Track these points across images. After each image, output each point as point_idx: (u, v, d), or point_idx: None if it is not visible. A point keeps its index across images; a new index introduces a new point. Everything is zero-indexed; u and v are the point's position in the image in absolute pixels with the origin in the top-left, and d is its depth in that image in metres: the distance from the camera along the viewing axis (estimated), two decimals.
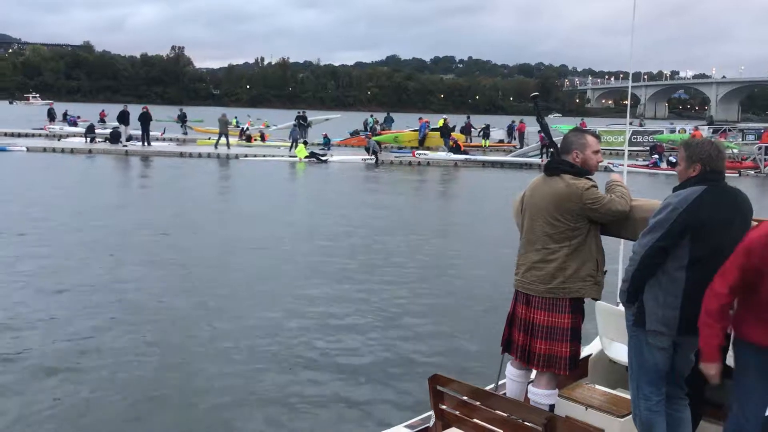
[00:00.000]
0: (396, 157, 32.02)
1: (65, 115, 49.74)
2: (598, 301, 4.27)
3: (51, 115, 46.46)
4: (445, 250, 12.15)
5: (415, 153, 32.22)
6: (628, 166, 28.94)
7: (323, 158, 29.90)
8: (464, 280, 10.05)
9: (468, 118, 46.33)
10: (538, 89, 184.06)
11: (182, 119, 46.57)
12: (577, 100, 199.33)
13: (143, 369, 6.47)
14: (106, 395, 5.88)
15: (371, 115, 49.18)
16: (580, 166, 3.87)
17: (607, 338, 4.43)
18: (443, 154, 32.26)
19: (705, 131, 37.70)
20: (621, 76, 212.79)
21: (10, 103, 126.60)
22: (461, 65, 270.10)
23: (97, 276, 9.61)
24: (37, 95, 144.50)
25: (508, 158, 32.10)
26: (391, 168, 29.24)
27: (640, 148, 37.75)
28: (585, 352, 4.55)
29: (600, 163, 4.05)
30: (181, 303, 8.49)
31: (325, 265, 10.64)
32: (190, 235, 12.72)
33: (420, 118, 34.75)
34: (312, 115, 52.43)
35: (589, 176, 3.89)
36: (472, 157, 32.07)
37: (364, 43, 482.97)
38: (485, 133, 42.79)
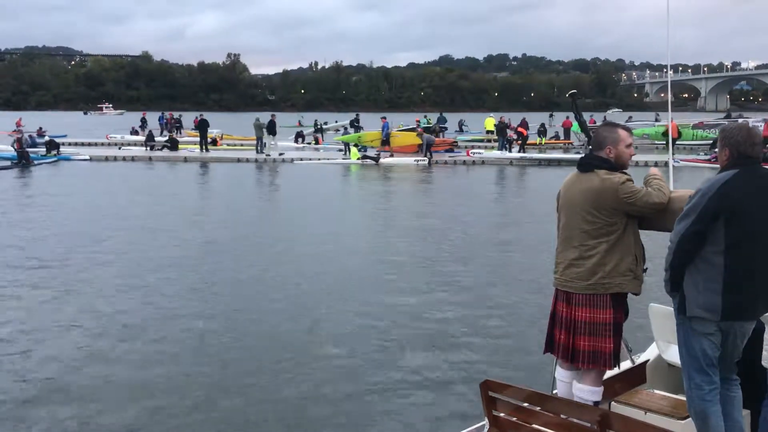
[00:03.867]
0: (450, 156, 31.87)
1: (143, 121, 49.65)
2: (651, 304, 4.17)
3: (144, 124, 46.72)
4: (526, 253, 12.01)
5: (470, 152, 32.02)
6: (689, 160, 28.17)
7: (376, 159, 29.94)
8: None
9: (508, 120, 45.89)
10: (595, 85, 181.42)
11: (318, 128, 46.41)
12: (635, 95, 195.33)
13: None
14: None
15: (425, 116, 49.17)
16: (613, 160, 3.83)
17: (663, 341, 4.31)
18: (498, 153, 31.98)
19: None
20: (680, 68, 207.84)
21: (85, 113, 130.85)
22: (515, 63, 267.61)
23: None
24: (110, 105, 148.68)
25: (566, 155, 31.59)
26: (445, 168, 29.10)
27: (702, 142, 36.74)
28: (642, 358, 4.43)
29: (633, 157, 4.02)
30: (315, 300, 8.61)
31: (435, 274, 10.59)
32: (302, 240, 12.82)
33: (382, 118, 34.40)
34: (365, 118, 52.71)
35: (624, 170, 3.84)
36: (528, 155, 31.71)
37: (418, 43, 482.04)
38: (540, 131, 42.39)
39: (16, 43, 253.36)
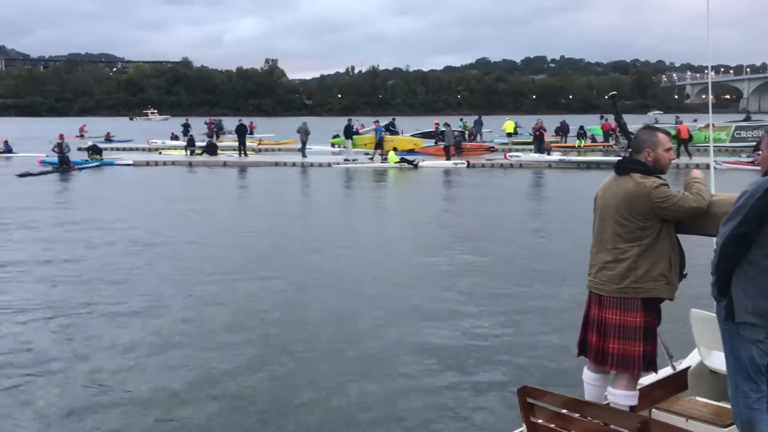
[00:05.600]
0: (487, 160, 31.73)
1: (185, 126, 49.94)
2: (693, 310, 4.12)
3: (186, 130, 47.07)
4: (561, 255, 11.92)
5: (507, 155, 31.85)
6: (731, 162, 27.58)
7: (414, 163, 29.95)
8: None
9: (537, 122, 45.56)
10: (634, 86, 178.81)
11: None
12: (676, 96, 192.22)
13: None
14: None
15: (461, 119, 49.02)
16: (651, 164, 3.82)
17: (705, 347, 4.24)
18: (536, 156, 31.75)
19: None
20: (722, 69, 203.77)
21: (131, 119, 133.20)
22: (553, 65, 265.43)
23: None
24: (155, 111, 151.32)
25: (606, 158, 31.19)
26: (482, 171, 28.99)
27: (744, 144, 35.99)
28: (683, 364, 4.36)
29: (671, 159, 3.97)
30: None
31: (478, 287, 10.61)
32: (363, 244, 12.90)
33: (375, 121, 34.22)
34: (401, 122, 52.68)
35: (660, 174, 3.83)
36: (567, 158, 31.41)
37: (455, 46, 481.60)
38: (579, 133, 42.06)
39: (60, 51, 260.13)
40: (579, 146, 40.37)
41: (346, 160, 31.42)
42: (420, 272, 10.68)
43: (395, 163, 30.09)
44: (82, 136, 55.37)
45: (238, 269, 10.72)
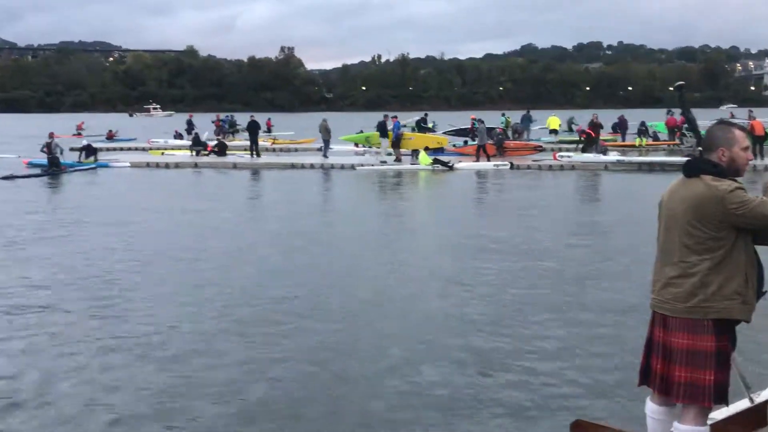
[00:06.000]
0: (534, 161, 31.63)
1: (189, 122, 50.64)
2: None
3: (190, 127, 47.33)
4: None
5: (557, 155, 31.74)
6: None
7: (449, 164, 29.95)
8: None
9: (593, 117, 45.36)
10: (703, 76, 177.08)
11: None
12: (752, 87, 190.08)
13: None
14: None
15: (503, 114, 49.03)
16: (726, 165, 3.75)
17: None
18: (591, 156, 31.59)
19: None
20: None
21: (131, 116, 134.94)
22: (610, 52, 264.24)
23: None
24: (158, 106, 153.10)
25: (671, 159, 30.91)
26: (528, 173, 28.88)
27: None
28: (762, 396, 4.32)
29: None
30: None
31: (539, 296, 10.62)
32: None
33: (393, 117, 34.04)
34: (434, 118, 52.80)
35: (736, 177, 3.76)
36: (626, 159, 31.21)
37: (496, 31, 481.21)
38: (641, 130, 41.82)
39: (50, 39, 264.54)
40: (640, 145, 40.10)
41: (383, 162, 31.41)
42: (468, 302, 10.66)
43: (427, 164, 30.11)
44: (79, 134, 56.42)
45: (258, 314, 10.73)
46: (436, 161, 30.31)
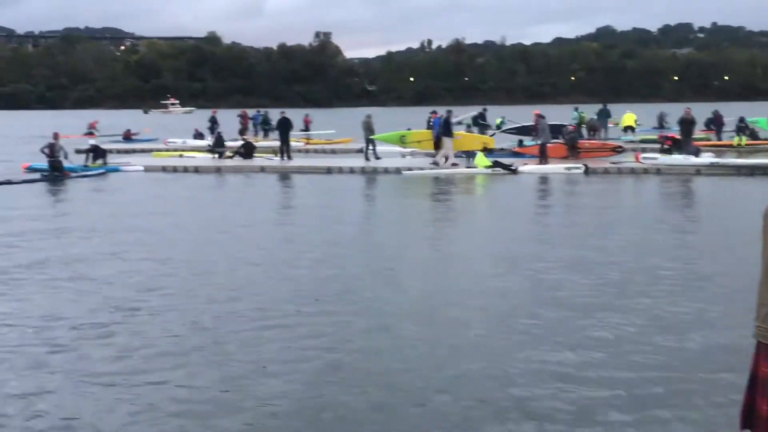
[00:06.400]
0: (612, 163, 31.38)
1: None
2: None
3: (214, 125, 47.28)
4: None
5: (640, 157, 31.45)
6: None
7: (512, 168, 29.83)
8: None
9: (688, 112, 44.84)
10: None
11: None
12: None
13: None
14: None
15: (575, 108, 48.80)
16: None
17: None
18: (680, 158, 31.24)
19: None
20: None
21: (145, 112, 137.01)
22: (702, 35, 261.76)
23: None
24: (177, 102, 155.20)
25: None
26: (605, 178, 28.64)
27: None
28: None
29: None
30: None
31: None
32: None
33: (433, 113, 33.59)
34: (495, 113, 52.71)
35: None
36: (722, 161, 30.79)
37: (568, 12, 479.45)
38: (740, 127, 41.34)
39: (53, 25, 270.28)
40: (738, 145, 39.57)
41: (454, 164, 31.27)
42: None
43: (486, 167, 30.02)
44: (91, 134, 57.41)
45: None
46: (496, 164, 30.21)
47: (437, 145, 32.34)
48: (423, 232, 18.18)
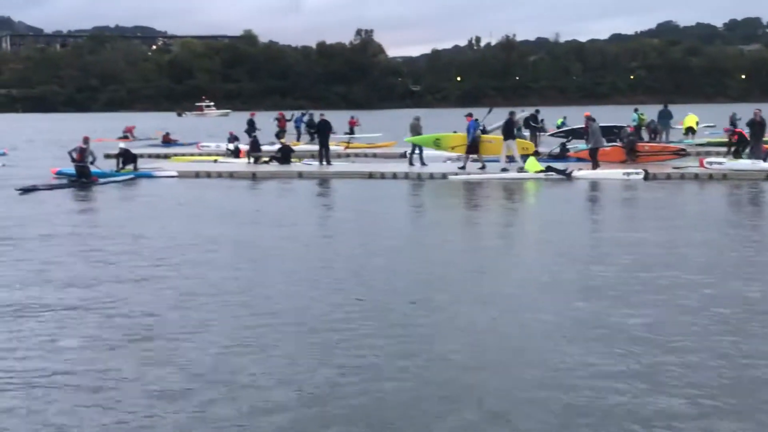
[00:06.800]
0: (674, 168, 31.04)
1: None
2: None
3: (252, 128, 46.92)
4: None
5: (704, 161, 31.09)
6: None
7: (566, 172, 29.62)
8: None
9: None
10: None
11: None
12: None
13: None
14: None
15: (635, 109, 48.36)
16: None
17: None
18: (748, 163, 30.83)
19: None
20: None
21: (179, 115, 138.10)
22: None
23: None
24: (212, 104, 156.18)
25: None
26: (667, 185, 28.33)
27: None
28: None
29: None
30: None
31: None
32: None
33: (467, 115, 33.06)
34: (550, 114, 52.39)
35: None
36: None
37: (626, 6, 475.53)
38: None
39: (82, 24, 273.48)
40: None
41: (520, 169, 30.92)
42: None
43: (537, 172, 29.84)
44: (126, 137, 58.04)
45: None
46: (549, 169, 30.04)
47: (471, 150, 32.20)
48: (473, 245, 17.77)
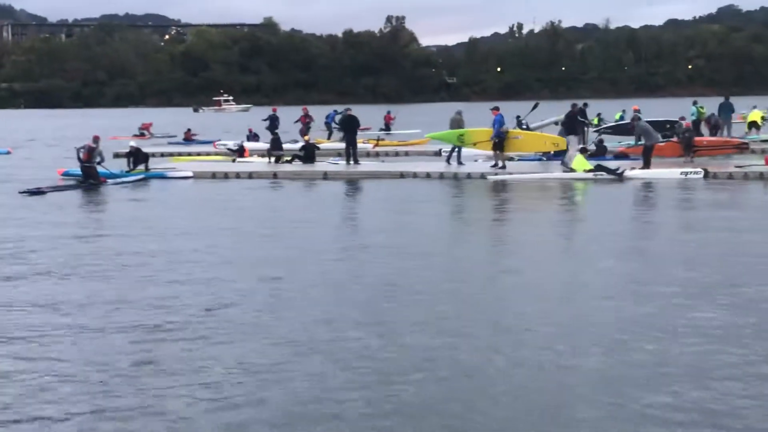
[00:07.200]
0: (737, 167, 30.78)
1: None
2: None
3: (273, 125, 47.14)
4: None
5: None
6: None
7: (617, 172, 29.42)
8: None
9: None
10: None
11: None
12: None
13: None
14: None
15: (694, 102, 47.99)
16: None
17: None
18: None
19: None
20: None
21: (195, 111, 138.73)
22: None
23: None
24: (231, 98, 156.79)
25: None
26: (728, 185, 28.08)
27: None
28: None
29: None
30: None
31: None
32: None
33: (493, 109, 32.66)
34: (598, 109, 52.12)
35: None
36: None
37: None
38: None
39: (90, 12, 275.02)
40: None
41: (571, 170, 30.57)
42: None
43: (585, 172, 29.65)
44: (142, 135, 58.27)
45: None
46: (599, 168, 29.85)
47: (496, 147, 32.15)
48: (520, 257, 16.97)
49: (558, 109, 44.05)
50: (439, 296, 13.26)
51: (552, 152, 33.47)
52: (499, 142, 32.08)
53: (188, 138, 53.55)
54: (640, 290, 13.34)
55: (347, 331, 11.27)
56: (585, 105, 45.14)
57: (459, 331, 11.28)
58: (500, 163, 32.00)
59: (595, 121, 47.02)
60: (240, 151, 39.56)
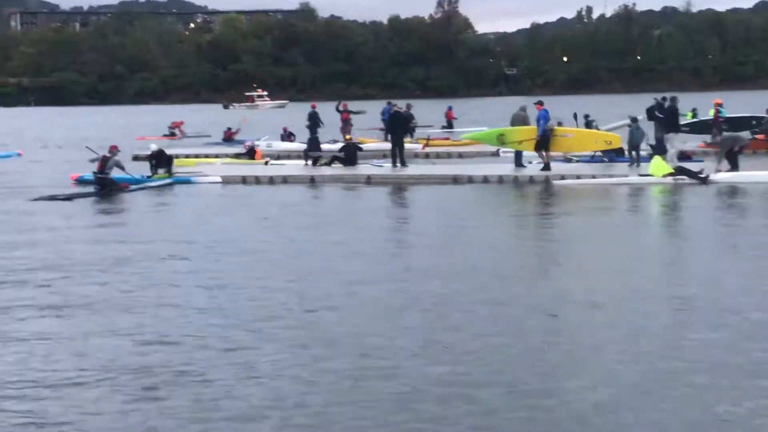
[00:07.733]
0: None
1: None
2: None
3: (315, 123, 46.50)
4: None
5: None
6: None
7: (701, 175, 29.19)
8: None
9: None
10: None
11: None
12: None
13: None
14: None
15: None
16: None
17: None
18: None
19: None
20: None
21: (225, 107, 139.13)
22: None
23: None
24: (265, 93, 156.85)
25: None
26: None
27: None
28: None
29: None
30: None
31: None
32: None
33: (537, 103, 32.23)
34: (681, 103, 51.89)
35: None
36: None
37: None
38: None
39: None
40: None
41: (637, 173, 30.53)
42: None
43: (665, 176, 29.44)
44: (173, 135, 58.50)
45: None
46: (680, 171, 29.59)
47: (540, 145, 32.14)
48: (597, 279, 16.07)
49: (632, 105, 43.66)
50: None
51: (614, 152, 33.63)
52: (543, 140, 32.04)
53: (229, 137, 52.66)
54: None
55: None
56: (663, 99, 44.81)
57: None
58: (545, 163, 32.06)
59: (689, 116, 46.58)
60: (251, 154, 39.56)
